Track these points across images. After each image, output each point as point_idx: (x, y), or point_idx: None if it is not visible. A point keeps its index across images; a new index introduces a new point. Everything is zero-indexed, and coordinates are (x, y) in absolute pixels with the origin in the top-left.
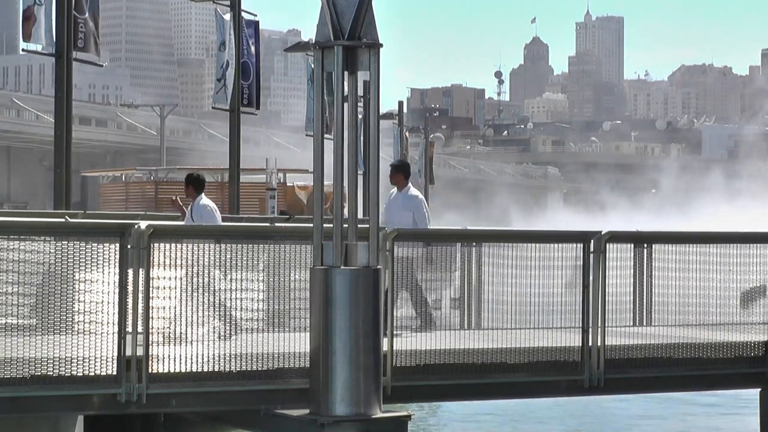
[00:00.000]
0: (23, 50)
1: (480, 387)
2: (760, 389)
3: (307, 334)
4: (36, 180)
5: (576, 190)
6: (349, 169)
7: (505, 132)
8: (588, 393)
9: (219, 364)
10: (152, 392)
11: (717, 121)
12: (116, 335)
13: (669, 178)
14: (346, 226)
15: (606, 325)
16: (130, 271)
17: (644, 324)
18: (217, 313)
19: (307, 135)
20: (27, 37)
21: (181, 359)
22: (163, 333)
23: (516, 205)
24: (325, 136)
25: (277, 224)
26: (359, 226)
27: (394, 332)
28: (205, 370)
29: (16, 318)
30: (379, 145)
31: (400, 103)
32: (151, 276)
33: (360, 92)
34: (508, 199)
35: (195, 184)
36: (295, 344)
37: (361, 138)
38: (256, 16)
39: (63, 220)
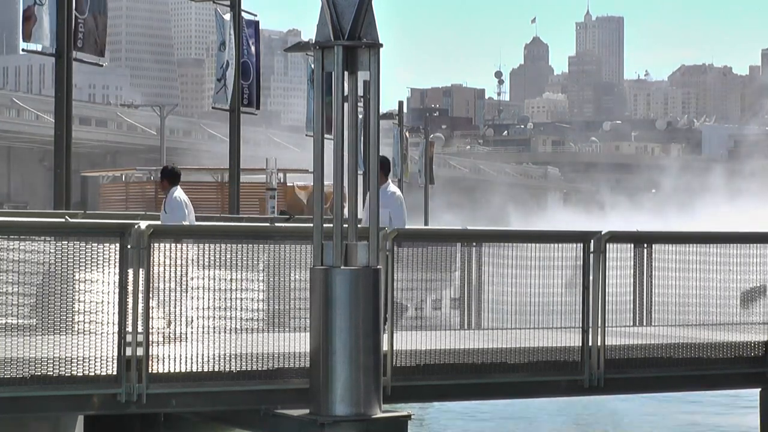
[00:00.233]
0: (23, 50)
1: (480, 387)
2: (760, 389)
3: (307, 334)
4: (36, 180)
5: (576, 190)
6: (349, 169)
7: (505, 132)
8: (588, 393)
9: (219, 364)
10: (152, 392)
11: (717, 121)
12: (116, 335)
13: (669, 178)
14: (346, 226)
15: (606, 325)
16: (130, 271)
17: (644, 324)
18: (217, 313)
19: (307, 135)
20: (27, 37)
21: (181, 359)
22: (163, 333)
23: (515, 205)
24: (325, 136)
25: (277, 224)
26: (359, 226)
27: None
28: (205, 370)
29: (16, 318)
30: (379, 145)
31: (400, 103)
32: (151, 276)
33: (360, 92)
34: (508, 198)
35: (169, 176)
36: (295, 344)
37: (361, 138)
38: (256, 16)
39: (63, 220)
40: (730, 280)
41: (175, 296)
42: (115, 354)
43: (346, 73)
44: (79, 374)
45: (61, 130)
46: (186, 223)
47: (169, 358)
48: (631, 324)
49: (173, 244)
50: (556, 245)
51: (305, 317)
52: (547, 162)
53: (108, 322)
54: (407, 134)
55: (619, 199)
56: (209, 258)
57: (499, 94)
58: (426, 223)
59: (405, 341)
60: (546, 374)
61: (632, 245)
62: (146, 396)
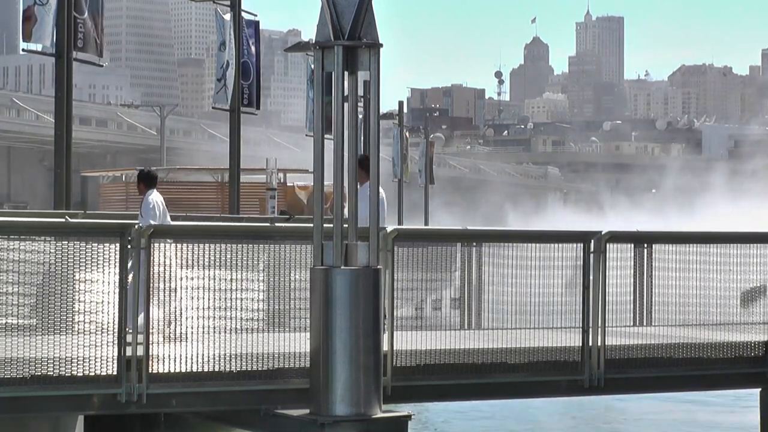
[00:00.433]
0: (23, 50)
1: (480, 387)
2: (760, 389)
3: (307, 334)
4: (36, 180)
5: (576, 190)
6: (349, 169)
7: (505, 132)
8: (588, 393)
9: (219, 364)
10: (152, 392)
11: (717, 121)
12: (116, 335)
13: (669, 178)
14: (346, 226)
15: (606, 325)
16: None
17: (644, 324)
18: (217, 313)
19: (307, 135)
20: (27, 37)
21: (181, 359)
22: (163, 333)
23: (515, 204)
24: (325, 136)
25: (277, 224)
26: (359, 226)
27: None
28: (205, 370)
29: (16, 318)
30: (379, 145)
31: (400, 103)
32: (151, 276)
33: (360, 92)
34: (508, 198)
35: (145, 180)
36: (295, 344)
37: (361, 138)
38: (256, 16)
39: (63, 220)
40: (730, 280)
41: (175, 296)
42: (115, 354)
43: (346, 73)
44: (79, 374)
45: (61, 130)
46: None
47: (169, 358)
48: (631, 324)
49: (173, 244)
50: (556, 245)
51: (305, 317)
52: (547, 162)
53: (108, 322)
54: (407, 134)
55: (619, 199)
56: (209, 258)
57: (499, 94)
58: (426, 223)
59: (405, 341)
60: (546, 374)
61: (632, 245)
62: (146, 396)
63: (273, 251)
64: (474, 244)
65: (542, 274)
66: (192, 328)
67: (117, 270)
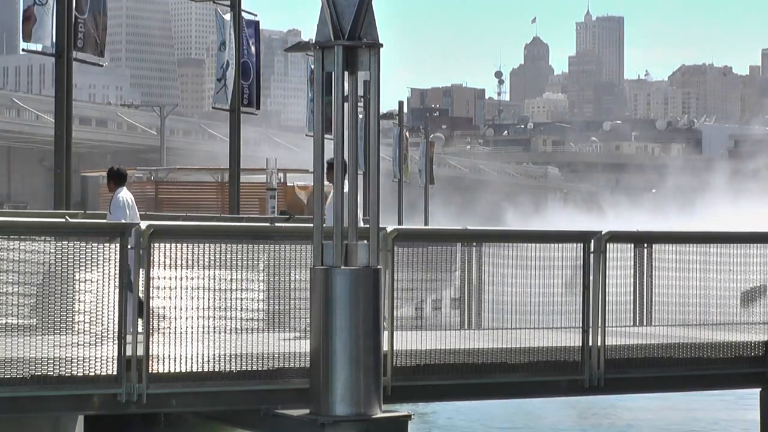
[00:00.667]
0: (23, 50)
1: (480, 387)
2: (760, 389)
3: (307, 334)
4: (36, 180)
5: (576, 190)
6: (350, 169)
7: (505, 132)
8: (588, 393)
9: (219, 364)
10: (152, 392)
11: (717, 121)
12: (116, 335)
13: (669, 178)
14: (346, 226)
15: (606, 325)
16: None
17: (644, 324)
18: (217, 313)
19: (307, 135)
20: (27, 37)
21: (181, 359)
22: (163, 333)
23: (515, 204)
24: (325, 136)
25: (277, 224)
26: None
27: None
28: (205, 370)
29: (16, 318)
30: (379, 145)
31: (400, 103)
32: (151, 276)
33: (360, 92)
34: (508, 198)
35: (115, 178)
36: (295, 344)
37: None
38: (256, 16)
39: (63, 220)
40: (730, 280)
41: (175, 296)
42: (115, 354)
43: (346, 73)
44: (79, 374)
45: (61, 130)
46: None
47: (169, 358)
48: (631, 324)
49: (173, 244)
50: (556, 245)
51: (305, 317)
52: (547, 162)
53: (108, 322)
54: (407, 134)
55: (619, 199)
56: (209, 258)
57: (499, 94)
58: (426, 223)
59: (405, 341)
60: (546, 374)
61: (632, 245)
62: (146, 396)
63: (273, 251)
64: (474, 244)
65: (542, 274)
66: (192, 328)
67: (117, 270)
